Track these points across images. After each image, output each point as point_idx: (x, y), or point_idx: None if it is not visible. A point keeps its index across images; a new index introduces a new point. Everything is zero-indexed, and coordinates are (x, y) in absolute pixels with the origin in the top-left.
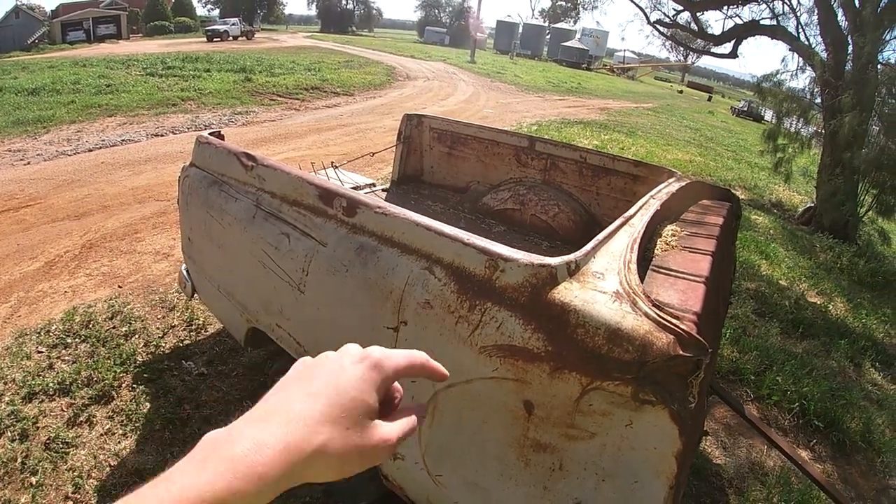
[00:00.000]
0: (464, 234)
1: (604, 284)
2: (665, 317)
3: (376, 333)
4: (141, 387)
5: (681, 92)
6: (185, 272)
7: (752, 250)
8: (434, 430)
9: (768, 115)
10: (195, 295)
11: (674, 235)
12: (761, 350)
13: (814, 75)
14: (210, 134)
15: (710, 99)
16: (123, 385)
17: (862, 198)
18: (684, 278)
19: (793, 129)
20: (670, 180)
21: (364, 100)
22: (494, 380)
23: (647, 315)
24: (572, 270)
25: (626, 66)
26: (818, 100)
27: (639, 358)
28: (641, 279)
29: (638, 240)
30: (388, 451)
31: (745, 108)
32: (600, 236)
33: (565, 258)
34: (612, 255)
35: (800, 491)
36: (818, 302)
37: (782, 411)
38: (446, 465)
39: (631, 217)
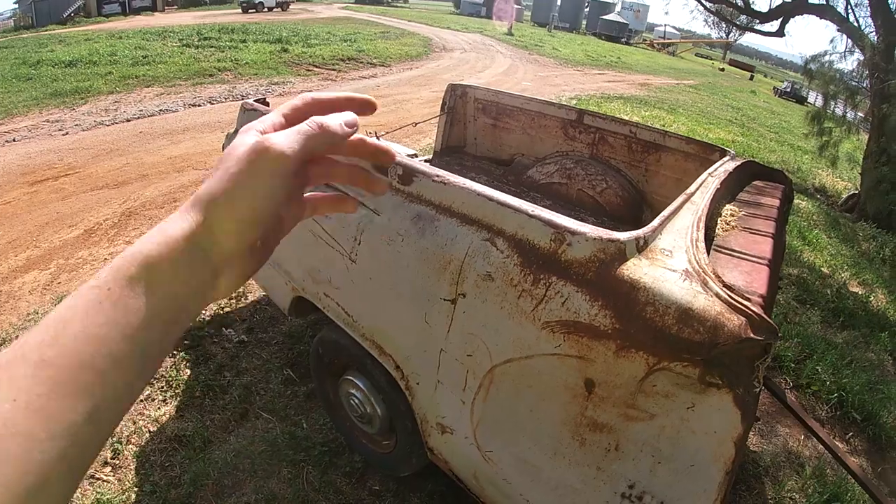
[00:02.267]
0: (528, 205)
1: (672, 262)
2: (737, 298)
3: (432, 305)
4: (181, 353)
5: (722, 70)
6: None
7: (794, 235)
8: (489, 405)
9: (812, 97)
10: None
11: (733, 216)
12: (802, 338)
13: (862, 58)
14: (255, 101)
15: (751, 78)
16: (177, 361)
17: None
18: (748, 260)
19: (839, 113)
20: (725, 159)
21: (401, 71)
22: (557, 356)
23: (717, 296)
24: (641, 247)
25: (666, 41)
26: (866, 84)
27: (710, 339)
28: None
29: (703, 218)
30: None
31: (788, 90)
32: (665, 213)
33: (634, 233)
34: (678, 232)
35: (834, 483)
36: (860, 292)
37: (820, 401)
38: (498, 441)
39: (692, 195)
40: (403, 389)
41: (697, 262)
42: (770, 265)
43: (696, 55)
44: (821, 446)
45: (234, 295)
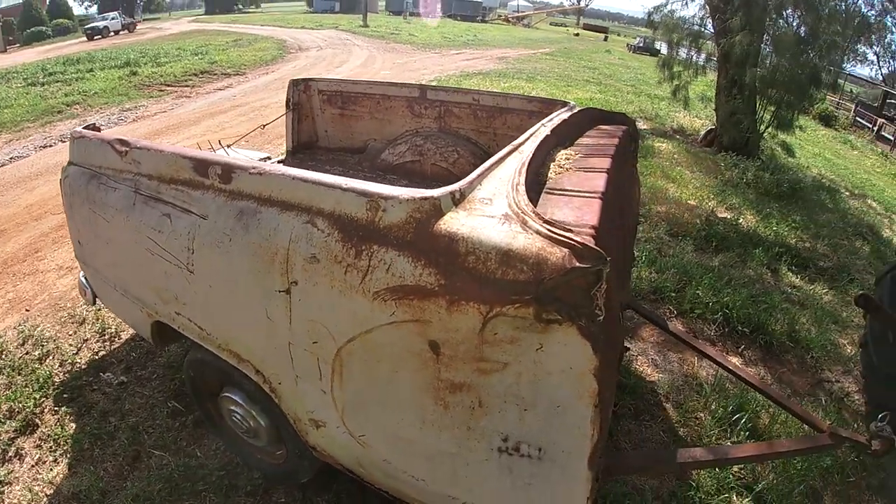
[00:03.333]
0: (341, 179)
1: (491, 209)
2: (558, 231)
3: (270, 299)
4: (63, 408)
5: (577, 35)
6: (83, 279)
7: (658, 176)
8: (347, 389)
9: (664, 48)
10: (97, 300)
11: (568, 159)
12: (678, 267)
13: (703, 1)
14: (84, 127)
15: (605, 39)
16: (46, 410)
17: (761, 115)
18: (580, 196)
19: (685, 56)
20: (561, 110)
21: (257, 77)
22: (394, 325)
23: (538, 232)
24: (457, 199)
25: (521, 14)
26: (709, 26)
27: (535, 276)
28: (535, 203)
29: (526, 163)
30: None
31: (642, 45)
32: (486, 164)
33: (448, 188)
34: (500, 180)
35: (736, 395)
36: (728, 216)
37: (707, 323)
38: (366, 423)
39: (520, 145)
40: (269, 393)
41: (517, 205)
42: (603, 197)
43: (550, 24)
44: (721, 368)
45: (106, 336)
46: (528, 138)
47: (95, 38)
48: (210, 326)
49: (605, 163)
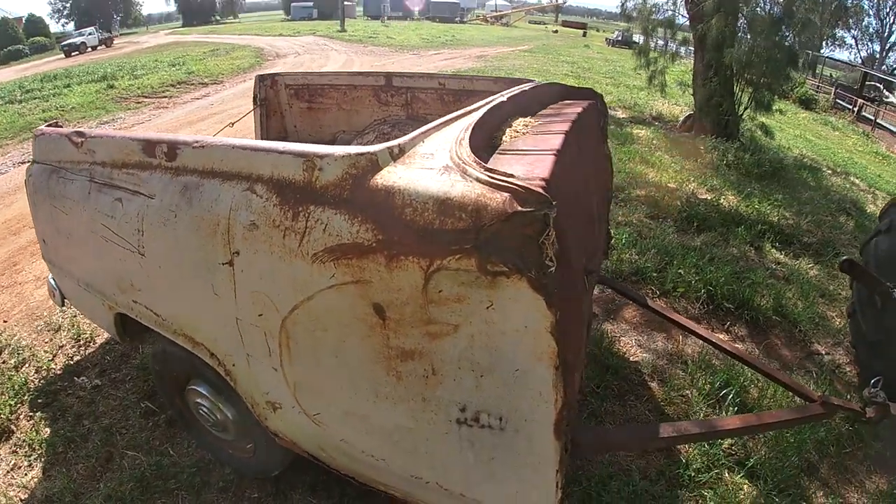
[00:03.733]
0: (279, 143)
1: (432, 163)
2: (498, 177)
3: (214, 273)
4: (38, 413)
5: (556, 31)
6: (51, 280)
7: (637, 161)
8: (295, 364)
9: (640, 39)
10: (65, 301)
11: (525, 126)
12: (659, 248)
13: None
14: (48, 125)
15: (584, 34)
16: (21, 416)
17: (739, 96)
18: (532, 154)
19: (661, 43)
20: (524, 84)
21: (234, 85)
22: (335, 289)
23: (478, 180)
24: (396, 154)
25: (499, 13)
26: (682, 11)
27: (474, 223)
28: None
29: (474, 123)
30: None
31: (620, 38)
32: (434, 123)
33: (387, 144)
34: (446, 139)
35: (723, 370)
36: (709, 198)
37: (690, 301)
38: (319, 400)
39: (474, 111)
40: (225, 376)
41: (459, 157)
42: (557, 155)
43: (529, 23)
44: (703, 343)
45: (81, 342)
46: (482, 105)
47: (73, 54)
48: (164, 310)
49: (564, 126)
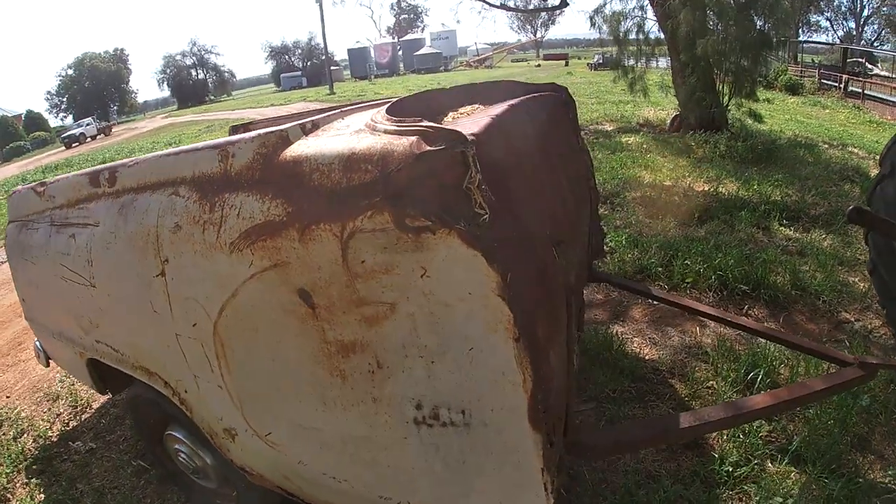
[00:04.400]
0: (201, 143)
1: (346, 130)
2: (407, 124)
3: (151, 287)
4: (34, 480)
5: (538, 66)
6: (36, 342)
7: (629, 166)
8: (236, 377)
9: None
10: (49, 361)
11: (473, 110)
12: (662, 244)
13: None
14: (25, 188)
15: (566, 63)
16: (18, 484)
17: (721, 88)
18: (467, 122)
19: (633, 49)
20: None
21: None
22: (256, 279)
23: (386, 131)
24: (308, 129)
25: (481, 57)
26: (650, 14)
27: (380, 172)
28: None
29: (403, 97)
30: None
31: (601, 61)
32: (362, 103)
33: (300, 121)
34: (370, 114)
35: (747, 354)
36: (707, 188)
37: (702, 290)
38: (267, 416)
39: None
40: (181, 406)
41: (373, 120)
42: (495, 118)
43: (512, 62)
44: (723, 328)
45: (77, 407)
46: (423, 92)
47: (73, 145)
48: (119, 343)
49: (508, 103)
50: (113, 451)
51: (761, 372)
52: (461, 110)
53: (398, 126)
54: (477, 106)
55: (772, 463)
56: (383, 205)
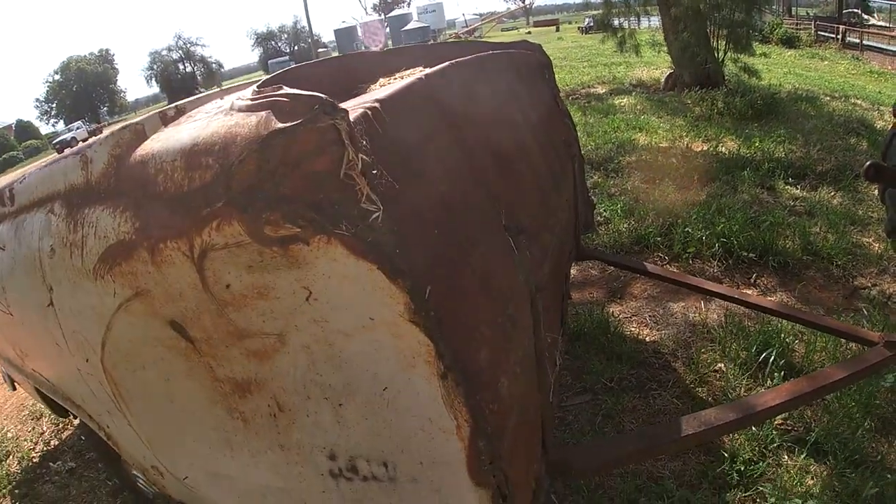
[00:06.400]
0: (73, 148)
1: (209, 114)
2: (260, 96)
3: (47, 320)
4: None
5: (528, 33)
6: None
7: (623, 129)
8: (136, 417)
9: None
10: (15, 386)
11: (405, 77)
12: (660, 211)
13: None
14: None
15: (557, 30)
16: None
17: (715, 43)
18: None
19: (622, 9)
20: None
21: None
22: (123, 309)
23: (241, 109)
24: (171, 118)
25: (470, 28)
26: None
27: (221, 167)
28: None
29: (298, 65)
30: None
31: (592, 25)
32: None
33: (165, 108)
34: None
35: (757, 331)
36: (706, 148)
37: (706, 260)
38: (178, 459)
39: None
40: (107, 441)
41: (239, 97)
42: (422, 79)
43: (502, 31)
44: (729, 303)
45: (59, 426)
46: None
47: (66, 150)
48: (46, 373)
49: (451, 63)
50: (92, 470)
51: (774, 352)
52: (398, 75)
53: (252, 101)
54: (421, 69)
55: (788, 456)
56: (229, 211)
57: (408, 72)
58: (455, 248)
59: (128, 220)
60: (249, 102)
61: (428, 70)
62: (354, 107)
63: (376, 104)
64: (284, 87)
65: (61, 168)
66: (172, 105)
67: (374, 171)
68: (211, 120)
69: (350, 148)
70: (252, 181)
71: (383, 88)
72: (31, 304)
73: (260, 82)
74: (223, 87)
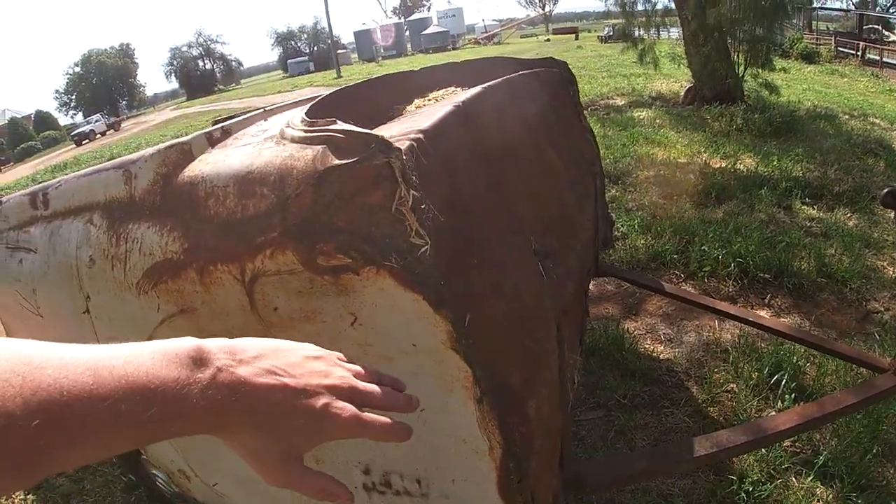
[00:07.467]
0: (110, 162)
1: (257, 139)
2: (315, 128)
3: (80, 325)
4: (31, 496)
5: (548, 40)
6: None
7: (641, 143)
8: None
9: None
10: None
11: (439, 99)
12: (677, 228)
13: None
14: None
15: (576, 37)
16: (17, 500)
17: (735, 58)
18: (423, 115)
19: (642, 19)
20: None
21: None
22: (166, 324)
23: (292, 140)
24: (217, 139)
25: (490, 34)
26: None
27: (277, 199)
28: None
29: (340, 89)
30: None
31: (611, 34)
32: (294, 100)
33: (212, 128)
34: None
35: (769, 353)
36: (724, 165)
37: (721, 279)
38: (207, 465)
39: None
40: None
41: (289, 124)
42: (457, 108)
43: (521, 37)
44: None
45: None
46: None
47: (84, 142)
48: None
49: (485, 85)
50: (106, 465)
51: (786, 375)
52: (431, 95)
53: (306, 131)
54: (452, 89)
55: (796, 479)
56: (284, 240)
57: (440, 92)
58: (490, 278)
59: (176, 241)
60: (303, 134)
61: (462, 96)
62: (399, 137)
63: (420, 135)
64: (338, 122)
65: (102, 180)
66: (220, 125)
67: (423, 206)
68: (263, 148)
69: (402, 184)
70: (307, 213)
71: (421, 113)
72: (65, 309)
73: (306, 108)
74: (266, 109)
